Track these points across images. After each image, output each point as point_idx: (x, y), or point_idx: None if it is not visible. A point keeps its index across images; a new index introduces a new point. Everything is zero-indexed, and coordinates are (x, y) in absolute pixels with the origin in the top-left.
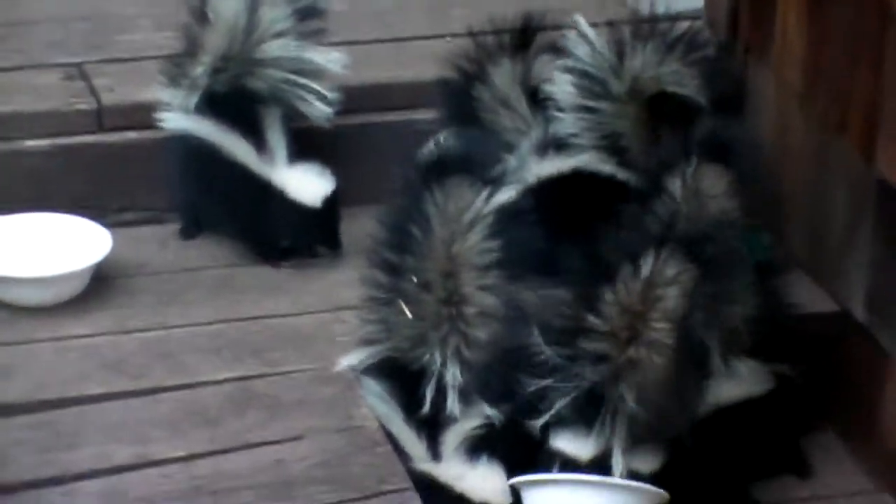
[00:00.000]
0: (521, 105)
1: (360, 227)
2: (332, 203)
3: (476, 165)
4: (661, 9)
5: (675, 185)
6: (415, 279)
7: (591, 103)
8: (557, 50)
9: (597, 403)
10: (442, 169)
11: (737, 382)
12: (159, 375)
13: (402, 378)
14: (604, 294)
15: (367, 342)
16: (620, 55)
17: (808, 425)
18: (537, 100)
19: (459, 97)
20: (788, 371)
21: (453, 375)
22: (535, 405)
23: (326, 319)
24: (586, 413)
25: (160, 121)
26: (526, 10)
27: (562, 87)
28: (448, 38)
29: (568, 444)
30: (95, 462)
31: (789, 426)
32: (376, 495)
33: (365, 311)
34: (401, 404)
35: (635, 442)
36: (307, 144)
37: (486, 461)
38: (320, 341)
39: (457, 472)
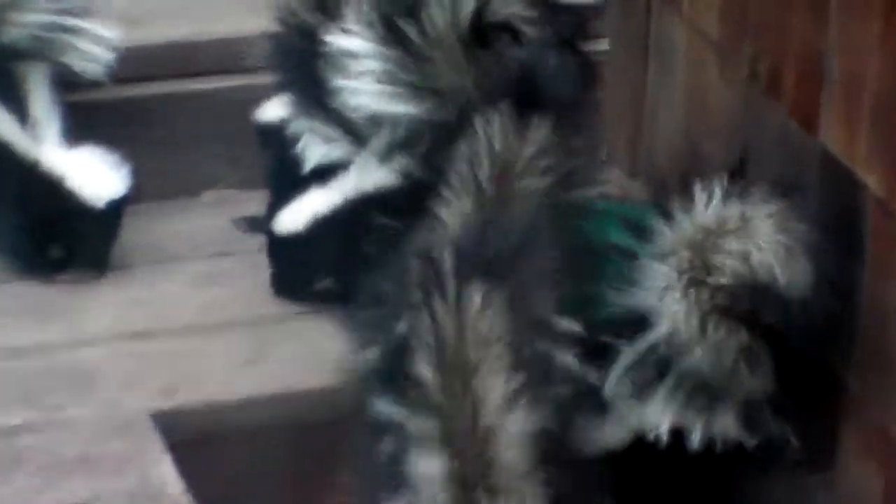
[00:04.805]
0: None
1: (152, 230)
2: (118, 208)
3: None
4: None
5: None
6: None
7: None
8: None
9: None
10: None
11: None
12: None
13: None
14: None
15: None
16: None
17: None
18: None
19: (298, 56)
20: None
21: None
22: None
23: (114, 350)
24: None
25: None
26: None
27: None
28: None
29: None
30: None
31: None
32: None
33: None
34: None
35: None
36: (84, 122)
37: None
38: (107, 379)
39: None
